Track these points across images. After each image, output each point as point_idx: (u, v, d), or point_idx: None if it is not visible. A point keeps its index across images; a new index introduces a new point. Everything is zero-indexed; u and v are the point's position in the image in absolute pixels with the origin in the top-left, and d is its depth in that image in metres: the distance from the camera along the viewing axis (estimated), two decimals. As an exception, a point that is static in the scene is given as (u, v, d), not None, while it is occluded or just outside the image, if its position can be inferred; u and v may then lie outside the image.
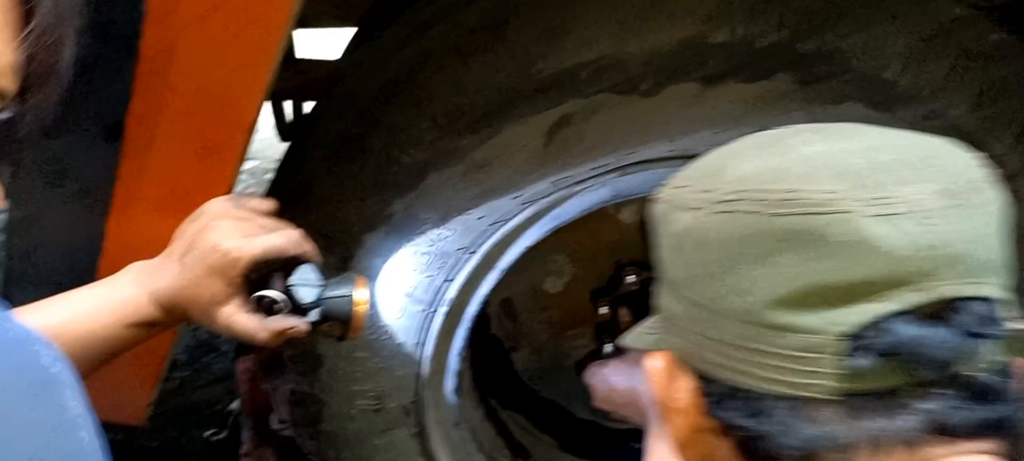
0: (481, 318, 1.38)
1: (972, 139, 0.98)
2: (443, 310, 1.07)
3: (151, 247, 0.88)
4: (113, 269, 0.87)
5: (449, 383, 1.13)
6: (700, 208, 0.53)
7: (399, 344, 1.08)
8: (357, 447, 1.13)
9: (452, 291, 1.06)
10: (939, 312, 0.48)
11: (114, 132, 0.94)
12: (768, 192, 0.50)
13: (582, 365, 1.06)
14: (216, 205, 0.87)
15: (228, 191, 0.96)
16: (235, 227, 0.84)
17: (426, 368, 1.09)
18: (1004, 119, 0.98)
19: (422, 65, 0.99)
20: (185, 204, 0.89)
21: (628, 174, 1.01)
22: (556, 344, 1.38)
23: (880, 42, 0.95)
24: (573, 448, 1.45)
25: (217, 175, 0.96)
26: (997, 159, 0.99)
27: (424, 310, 1.07)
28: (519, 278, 1.34)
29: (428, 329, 1.07)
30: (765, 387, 0.50)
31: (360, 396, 1.10)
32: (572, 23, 0.95)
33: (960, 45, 0.96)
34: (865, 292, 0.47)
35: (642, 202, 1.15)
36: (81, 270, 0.99)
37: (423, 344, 1.08)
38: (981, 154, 0.53)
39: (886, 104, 0.96)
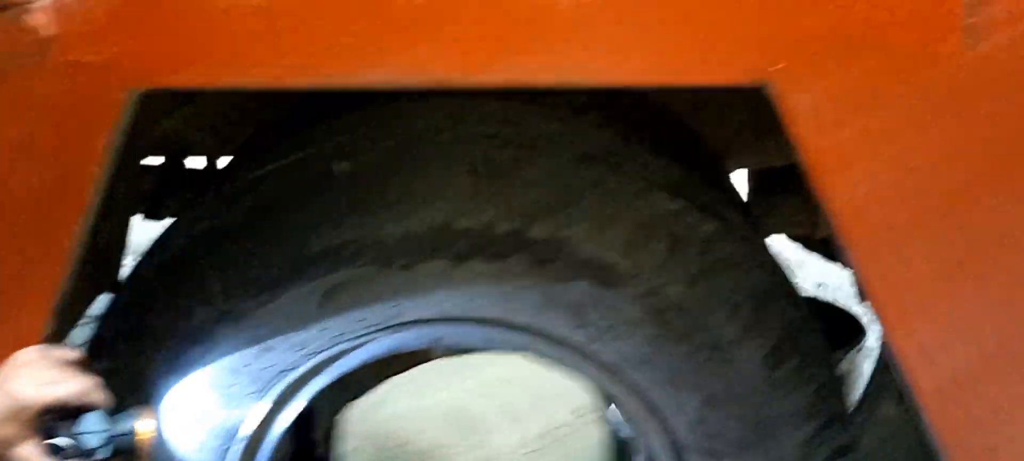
0: (308, 439, 1.52)
1: (689, 315, 1.13)
2: (240, 445, 1.21)
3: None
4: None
5: (250, 508, 1.26)
6: (358, 435, 0.68)
7: (200, 475, 1.21)
8: None
9: (245, 429, 1.19)
10: None
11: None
12: (392, 437, 0.64)
13: None
14: (24, 354, 1.01)
15: (42, 333, 1.11)
16: (33, 376, 0.98)
17: (225, 496, 1.22)
18: (717, 297, 1.13)
19: (214, 235, 1.15)
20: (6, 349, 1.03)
21: (396, 333, 1.16)
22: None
23: (603, 230, 1.10)
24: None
25: (32, 322, 1.11)
26: (714, 331, 1.14)
27: (221, 444, 1.20)
28: (343, 403, 1.48)
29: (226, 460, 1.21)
30: None
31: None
32: (341, 206, 1.11)
33: (675, 233, 1.12)
34: None
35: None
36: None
37: (222, 476, 1.22)
38: (588, 389, 0.66)
39: (610, 283, 1.11)
